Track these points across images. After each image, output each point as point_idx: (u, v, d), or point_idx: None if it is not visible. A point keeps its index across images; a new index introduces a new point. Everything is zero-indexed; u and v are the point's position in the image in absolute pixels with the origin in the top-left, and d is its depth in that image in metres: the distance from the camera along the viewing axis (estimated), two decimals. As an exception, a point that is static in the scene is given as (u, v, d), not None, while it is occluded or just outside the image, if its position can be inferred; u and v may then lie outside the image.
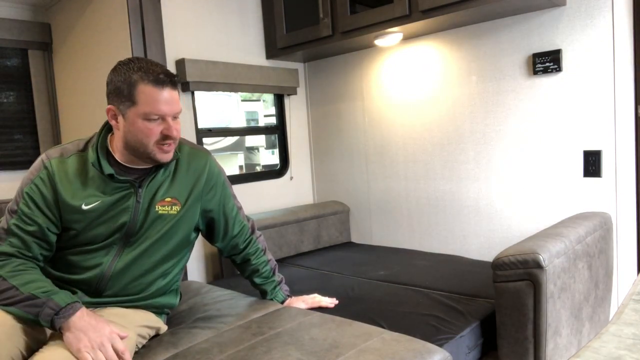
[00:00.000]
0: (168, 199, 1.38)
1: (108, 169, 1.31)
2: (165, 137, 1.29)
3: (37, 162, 1.32)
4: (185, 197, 1.42)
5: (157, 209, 1.37)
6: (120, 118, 1.28)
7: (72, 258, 1.33)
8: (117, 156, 1.34)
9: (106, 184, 1.32)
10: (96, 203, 1.30)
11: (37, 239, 1.28)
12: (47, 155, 1.33)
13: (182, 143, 1.47)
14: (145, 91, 1.24)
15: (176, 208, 1.40)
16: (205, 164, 1.48)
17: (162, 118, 1.28)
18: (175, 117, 1.31)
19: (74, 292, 1.32)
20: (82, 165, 1.33)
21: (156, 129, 1.28)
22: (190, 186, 1.44)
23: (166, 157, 1.33)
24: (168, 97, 1.27)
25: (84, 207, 1.30)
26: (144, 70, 1.25)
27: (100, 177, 1.31)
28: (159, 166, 1.38)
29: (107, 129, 1.38)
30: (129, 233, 1.35)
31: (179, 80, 1.33)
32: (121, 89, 1.25)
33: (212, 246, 1.70)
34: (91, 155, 1.32)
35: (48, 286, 1.21)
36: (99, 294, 1.35)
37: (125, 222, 1.33)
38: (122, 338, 1.20)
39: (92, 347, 1.13)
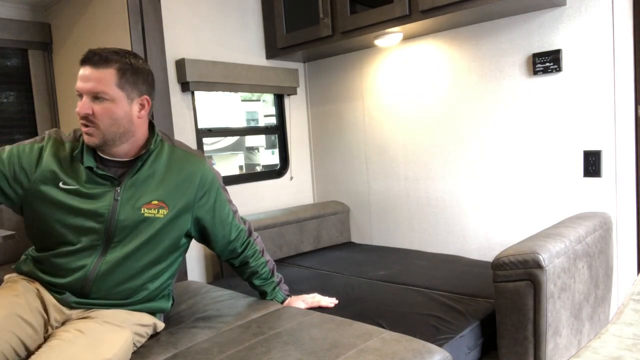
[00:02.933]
0: (155, 202, 1.36)
1: (88, 162, 1.32)
2: (79, 115, 1.28)
3: (39, 136, 1.37)
4: (174, 202, 1.39)
5: (142, 211, 1.34)
6: None
7: (57, 260, 1.32)
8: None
9: (88, 177, 1.32)
10: (73, 187, 1.31)
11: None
12: (49, 133, 1.38)
13: (175, 146, 1.46)
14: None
15: (163, 212, 1.37)
16: (198, 169, 1.44)
17: (80, 96, 1.28)
18: (97, 97, 1.26)
19: (62, 293, 1.32)
20: (71, 154, 1.34)
21: (78, 106, 1.28)
22: (181, 191, 1.40)
23: (86, 139, 1.30)
24: (85, 74, 1.27)
25: (61, 185, 1.30)
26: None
27: (84, 170, 1.32)
28: (137, 160, 1.36)
29: None
30: (109, 232, 1.32)
31: (111, 58, 1.27)
32: None
33: (212, 247, 1.70)
34: (78, 145, 1.34)
35: None
36: (86, 296, 1.34)
37: (103, 219, 1.31)
38: None
39: None
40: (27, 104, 2.71)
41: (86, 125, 1.28)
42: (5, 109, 2.65)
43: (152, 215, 1.35)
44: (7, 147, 1.34)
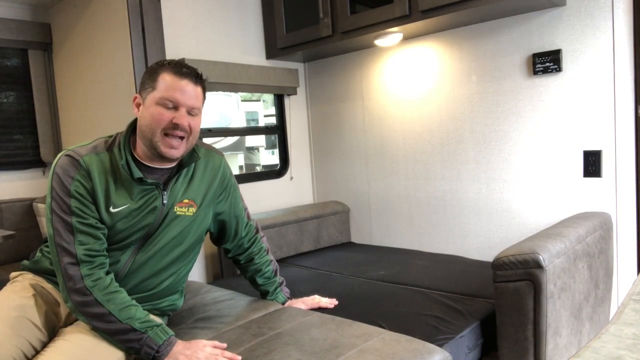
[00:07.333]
0: (186, 201, 1.39)
1: (137, 173, 1.29)
2: (173, 126, 1.26)
3: (67, 161, 1.25)
4: (201, 199, 1.42)
5: (175, 209, 1.37)
6: (141, 106, 1.30)
7: None
8: (139, 154, 1.33)
9: (133, 186, 1.30)
10: (123, 207, 1.28)
11: (98, 230, 1.26)
12: (77, 153, 1.27)
13: (198, 144, 1.47)
14: (165, 78, 1.28)
15: (192, 210, 1.40)
16: (220, 166, 1.49)
17: (176, 107, 1.27)
18: (190, 113, 1.30)
19: None
20: (112, 165, 1.30)
21: (166, 115, 1.26)
22: (206, 187, 1.44)
23: (170, 152, 1.28)
24: (185, 88, 1.28)
25: (111, 209, 1.28)
26: (171, 64, 1.30)
27: (128, 180, 1.29)
28: (180, 167, 1.37)
29: (132, 129, 1.35)
30: (149, 233, 1.34)
31: (204, 79, 1.37)
32: (146, 78, 1.30)
33: (213, 246, 1.71)
34: (119, 156, 1.29)
35: (140, 314, 1.24)
36: None
37: (149, 223, 1.32)
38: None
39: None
40: (27, 104, 2.71)
41: (181, 138, 1.29)
42: (5, 109, 2.65)
43: (183, 213, 1.39)
44: (81, 202, 1.25)
